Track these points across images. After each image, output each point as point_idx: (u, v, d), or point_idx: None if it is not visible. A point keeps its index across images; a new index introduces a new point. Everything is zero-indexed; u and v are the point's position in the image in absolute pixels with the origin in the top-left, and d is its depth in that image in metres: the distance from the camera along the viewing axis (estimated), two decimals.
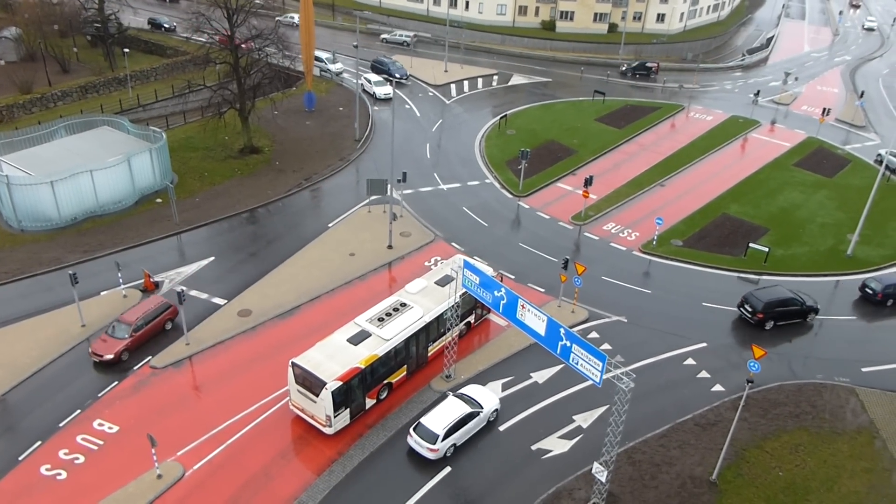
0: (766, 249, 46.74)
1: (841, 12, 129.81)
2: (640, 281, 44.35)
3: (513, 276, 43.25)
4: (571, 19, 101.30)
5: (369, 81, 71.46)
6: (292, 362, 30.87)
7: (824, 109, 71.32)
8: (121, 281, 39.95)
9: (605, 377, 25.57)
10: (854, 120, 75.43)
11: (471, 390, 32.83)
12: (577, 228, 49.88)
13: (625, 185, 56.48)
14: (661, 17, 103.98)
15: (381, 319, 33.27)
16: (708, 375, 36.36)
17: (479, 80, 79.76)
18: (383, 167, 55.43)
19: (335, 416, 30.55)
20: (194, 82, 67.24)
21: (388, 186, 47.03)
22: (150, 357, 35.48)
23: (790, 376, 36.65)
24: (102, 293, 39.90)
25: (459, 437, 30.62)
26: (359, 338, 32.17)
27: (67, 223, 46.92)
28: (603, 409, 33.26)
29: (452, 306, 33.68)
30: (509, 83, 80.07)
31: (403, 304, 34.41)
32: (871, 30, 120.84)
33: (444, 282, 36.02)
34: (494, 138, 63.97)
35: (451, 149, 61.73)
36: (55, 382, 33.85)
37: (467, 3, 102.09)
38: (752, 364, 30.09)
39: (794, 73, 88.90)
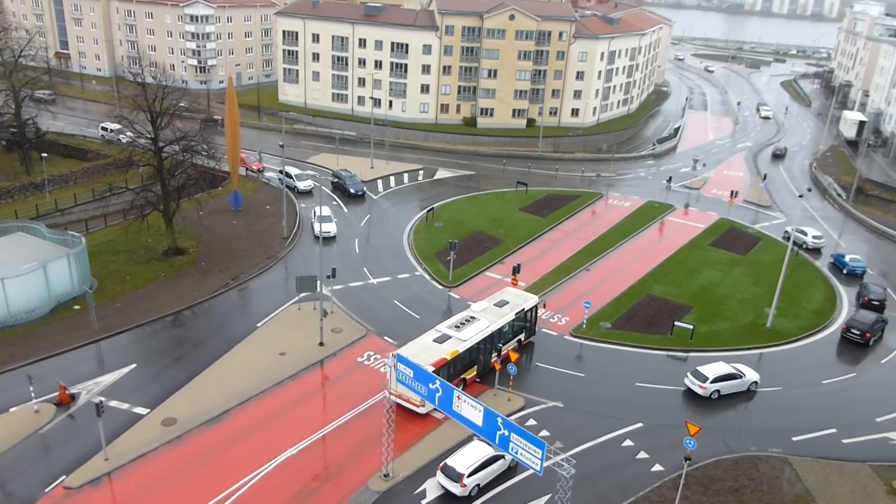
0: (691, 327, 48.15)
1: (739, 103, 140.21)
2: (573, 365, 44.70)
3: None
4: (492, 115, 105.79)
5: (314, 213, 63.99)
6: (393, 355, 34.61)
7: (732, 192, 75.77)
8: (32, 395, 37.51)
9: (545, 464, 25.24)
10: (760, 200, 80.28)
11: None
12: None
13: (552, 272, 57.70)
14: (575, 112, 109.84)
15: (457, 327, 41.29)
16: (647, 455, 36.38)
17: (406, 175, 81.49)
18: (312, 264, 55.13)
19: None
20: (116, 185, 66.13)
21: (318, 283, 46.64)
22: (63, 476, 33.01)
23: (726, 451, 37.06)
24: (12, 409, 37.26)
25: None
26: (442, 339, 40.16)
27: None
28: (546, 497, 32.63)
29: (510, 321, 43.01)
30: (435, 177, 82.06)
31: (473, 317, 42.60)
32: (767, 118, 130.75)
33: (500, 304, 44.59)
34: (423, 231, 64.82)
35: (379, 243, 62.11)
36: None
37: (391, 103, 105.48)
38: (688, 441, 30.36)
39: (701, 159, 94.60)
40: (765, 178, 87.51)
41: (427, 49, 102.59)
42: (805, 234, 66.45)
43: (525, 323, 45.26)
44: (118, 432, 35.79)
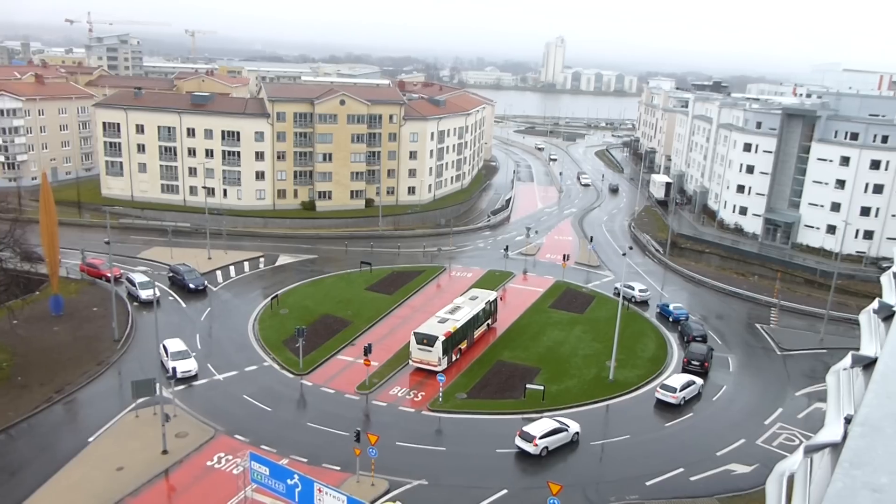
0: (542, 388, 49.70)
1: (561, 173, 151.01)
2: (433, 440, 44.40)
3: (305, 460, 41.07)
4: (330, 198, 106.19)
5: (165, 349, 52.82)
6: (415, 332, 53.19)
7: (564, 255, 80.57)
8: None
9: None
10: (590, 261, 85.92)
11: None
12: (363, 398, 49.33)
13: (403, 349, 57.43)
14: (412, 190, 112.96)
15: (451, 312, 56.86)
16: None
17: (246, 264, 79.05)
18: (150, 366, 51.38)
19: (443, 358, 51.87)
20: None
21: (157, 385, 43.34)
22: None
23: None
24: None
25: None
26: (443, 321, 55.06)
27: None
28: None
29: (483, 309, 59.29)
30: (277, 263, 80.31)
31: (459, 306, 58.05)
32: (587, 185, 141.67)
33: (473, 298, 60.69)
34: (268, 320, 62.71)
35: (223, 336, 59.24)
36: None
37: (225, 191, 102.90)
38: (552, 501, 30.84)
39: (533, 227, 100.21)
40: (591, 240, 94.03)
41: (259, 136, 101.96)
42: (632, 288, 71.66)
43: (492, 312, 61.62)
44: None
